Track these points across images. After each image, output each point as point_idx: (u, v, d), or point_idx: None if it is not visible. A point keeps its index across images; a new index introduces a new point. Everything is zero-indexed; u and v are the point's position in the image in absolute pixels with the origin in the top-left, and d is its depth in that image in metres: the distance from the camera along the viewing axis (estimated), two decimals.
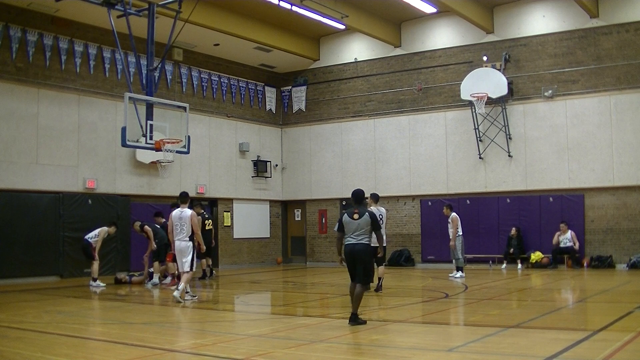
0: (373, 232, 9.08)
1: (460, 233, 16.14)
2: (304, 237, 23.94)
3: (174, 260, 15.83)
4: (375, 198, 13.50)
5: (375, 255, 9.55)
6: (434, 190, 20.96)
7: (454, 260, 16.34)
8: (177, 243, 11.86)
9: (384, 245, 11.23)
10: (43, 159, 16.98)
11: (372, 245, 9.12)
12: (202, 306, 12.29)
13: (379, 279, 12.94)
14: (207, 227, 16.39)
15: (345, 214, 9.08)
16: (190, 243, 11.85)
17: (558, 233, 18.57)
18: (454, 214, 16.25)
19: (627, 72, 18.40)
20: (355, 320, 8.81)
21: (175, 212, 11.96)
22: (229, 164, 22.18)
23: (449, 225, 16.13)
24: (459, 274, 16.05)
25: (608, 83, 18.64)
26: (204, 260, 17.23)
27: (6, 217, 16.05)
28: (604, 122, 18.60)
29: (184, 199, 12.07)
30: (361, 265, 8.87)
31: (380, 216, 12.98)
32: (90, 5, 14.56)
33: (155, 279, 15.43)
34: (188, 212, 11.87)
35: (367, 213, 8.94)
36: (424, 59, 21.64)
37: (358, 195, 9.27)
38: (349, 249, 8.93)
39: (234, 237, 22.00)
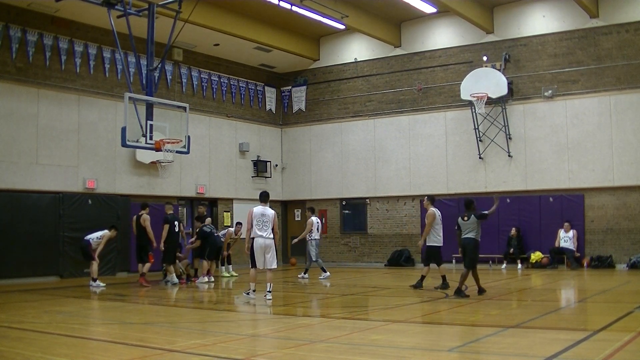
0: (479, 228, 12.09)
1: (317, 237, 16.92)
2: (304, 238, 23.86)
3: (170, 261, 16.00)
4: (432, 199, 14.05)
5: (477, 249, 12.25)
6: (434, 190, 20.86)
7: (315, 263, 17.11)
8: (260, 240, 11.61)
9: (439, 245, 13.46)
10: (43, 159, 16.98)
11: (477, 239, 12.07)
12: (202, 306, 12.29)
13: (422, 277, 13.77)
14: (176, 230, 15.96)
15: (459, 217, 12.28)
16: (273, 241, 11.80)
17: (561, 230, 18.57)
18: (312, 217, 17.05)
19: (627, 72, 18.40)
20: (458, 293, 11.75)
21: (258, 209, 11.77)
22: (229, 164, 22.18)
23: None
24: (325, 274, 16.82)
25: (608, 83, 18.64)
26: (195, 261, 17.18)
27: (6, 217, 16.05)
28: (604, 122, 18.60)
29: (265, 198, 12.00)
30: (469, 253, 11.94)
31: (440, 216, 13.71)
32: (90, 5, 14.57)
33: (175, 279, 15.53)
34: (271, 210, 11.85)
35: (472, 215, 12.04)
36: (424, 59, 21.64)
37: (467, 201, 12.45)
38: (462, 242, 12.10)
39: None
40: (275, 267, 11.91)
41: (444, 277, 13.47)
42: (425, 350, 7.19)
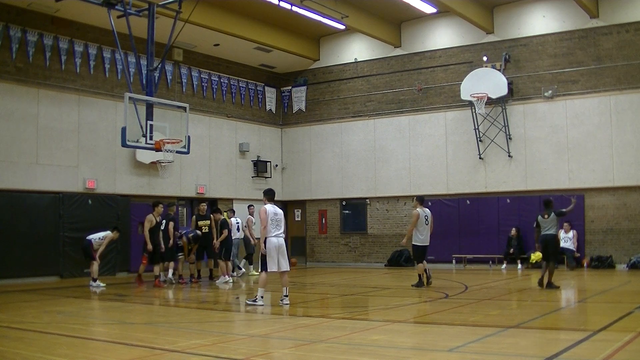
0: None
1: (237, 237, 17.62)
2: (304, 238, 23.94)
3: (154, 262, 15.64)
4: (420, 200, 14.27)
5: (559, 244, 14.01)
6: (434, 190, 20.95)
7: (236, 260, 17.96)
8: (274, 240, 11.03)
9: (422, 244, 13.73)
10: (43, 159, 16.98)
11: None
12: (202, 306, 12.29)
13: (419, 275, 13.89)
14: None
15: (539, 216, 13.26)
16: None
17: (561, 230, 18.57)
18: (231, 219, 17.56)
19: (627, 72, 18.40)
20: (550, 286, 12.87)
21: (270, 207, 11.14)
22: (229, 164, 22.18)
23: None
24: (235, 274, 17.49)
25: (608, 83, 18.64)
26: (192, 264, 16.67)
27: (6, 217, 16.05)
28: (604, 122, 18.60)
29: (274, 195, 11.46)
30: (551, 248, 13.05)
31: (426, 217, 13.91)
32: (90, 5, 14.58)
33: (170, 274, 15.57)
34: (279, 209, 11.35)
35: (552, 213, 13.05)
36: (424, 59, 21.64)
37: (546, 201, 13.45)
38: (543, 238, 13.11)
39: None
40: (289, 269, 11.34)
41: (420, 276, 13.77)
42: (425, 350, 7.19)
